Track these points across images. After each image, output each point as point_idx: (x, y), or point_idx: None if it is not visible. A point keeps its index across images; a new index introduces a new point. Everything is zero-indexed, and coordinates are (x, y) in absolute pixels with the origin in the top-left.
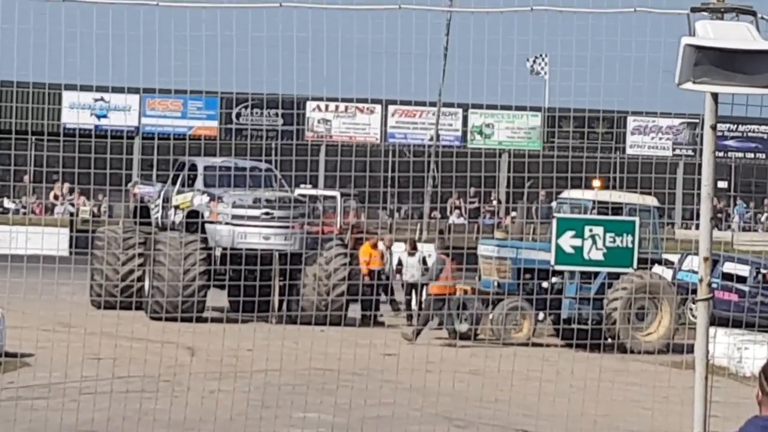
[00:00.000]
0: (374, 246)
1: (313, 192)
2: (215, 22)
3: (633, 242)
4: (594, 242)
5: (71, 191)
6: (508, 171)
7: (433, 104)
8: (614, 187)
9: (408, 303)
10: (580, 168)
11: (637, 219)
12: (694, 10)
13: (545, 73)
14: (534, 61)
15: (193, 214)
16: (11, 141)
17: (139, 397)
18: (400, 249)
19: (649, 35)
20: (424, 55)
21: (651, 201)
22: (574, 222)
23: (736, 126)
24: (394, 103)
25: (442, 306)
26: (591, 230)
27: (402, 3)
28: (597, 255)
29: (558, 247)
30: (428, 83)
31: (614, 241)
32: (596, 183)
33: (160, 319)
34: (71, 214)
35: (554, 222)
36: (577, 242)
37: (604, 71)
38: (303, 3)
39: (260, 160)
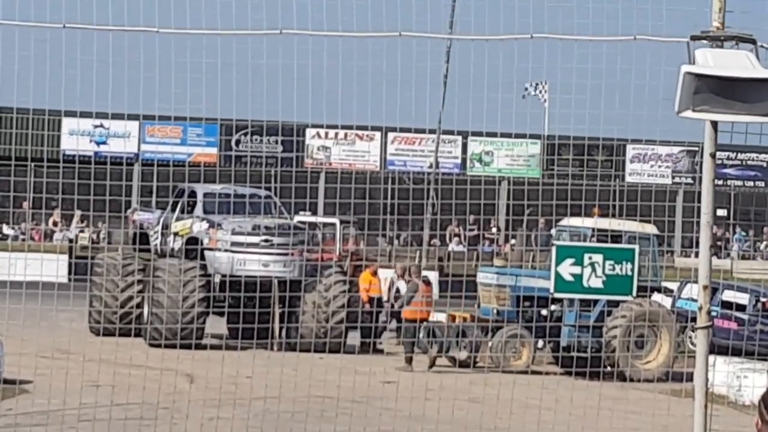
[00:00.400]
0: (374, 273)
1: (313, 219)
2: (215, 49)
3: (632, 270)
4: (593, 270)
5: (66, 218)
6: (508, 198)
7: (432, 131)
8: (613, 215)
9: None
10: (579, 196)
11: (636, 247)
12: (694, 38)
13: (545, 101)
14: (535, 88)
15: (193, 240)
16: (11, 167)
17: (137, 425)
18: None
19: (649, 63)
20: (424, 83)
21: (650, 229)
22: (574, 250)
23: (735, 154)
24: (393, 130)
25: (415, 331)
26: (590, 258)
27: (402, 30)
28: (596, 283)
29: (557, 275)
30: (428, 110)
31: (614, 269)
32: (595, 211)
33: (159, 345)
34: (70, 241)
35: (554, 249)
36: (577, 270)
37: (604, 99)
38: (303, 30)
39: (260, 187)
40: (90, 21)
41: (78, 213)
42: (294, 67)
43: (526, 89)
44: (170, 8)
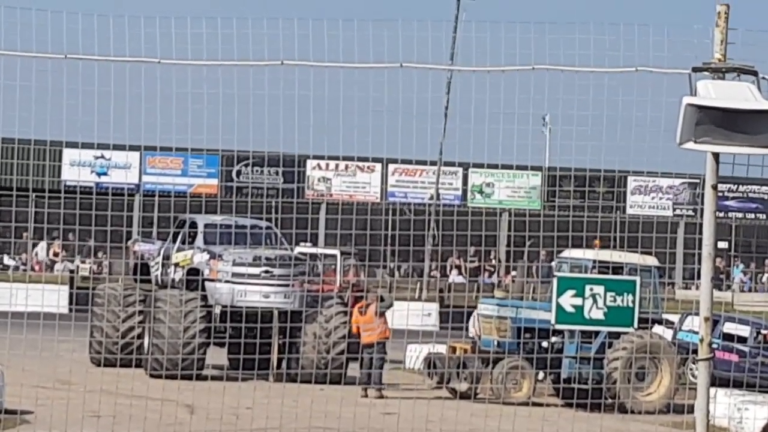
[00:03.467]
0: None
1: (313, 250)
2: (217, 80)
3: (634, 302)
4: (595, 301)
5: (68, 249)
6: (509, 230)
7: (433, 163)
8: (614, 247)
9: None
10: (580, 227)
11: (638, 278)
12: (695, 69)
13: (547, 131)
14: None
15: (193, 271)
16: (12, 197)
17: None
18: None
19: (650, 94)
20: (425, 114)
21: (651, 261)
22: (575, 281)
23: (736, 186)
24: (394, 161)
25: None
26: (592, 289)
27: (403, 61)
28: (598, 314)
29: (559, 306)
30: (429, 142)
31: (615, 301)
32: (596, 243)
33: (159, 376)
34: (71, 271)
35: (555, 281)
36: (578, 301)
37: (606, 130)
38: (305, 61)
39: (260, 218)
40: (91, 52)
41: (57, 244)
42: (295, 97)
43: (544, 121)
44: (171, 39)
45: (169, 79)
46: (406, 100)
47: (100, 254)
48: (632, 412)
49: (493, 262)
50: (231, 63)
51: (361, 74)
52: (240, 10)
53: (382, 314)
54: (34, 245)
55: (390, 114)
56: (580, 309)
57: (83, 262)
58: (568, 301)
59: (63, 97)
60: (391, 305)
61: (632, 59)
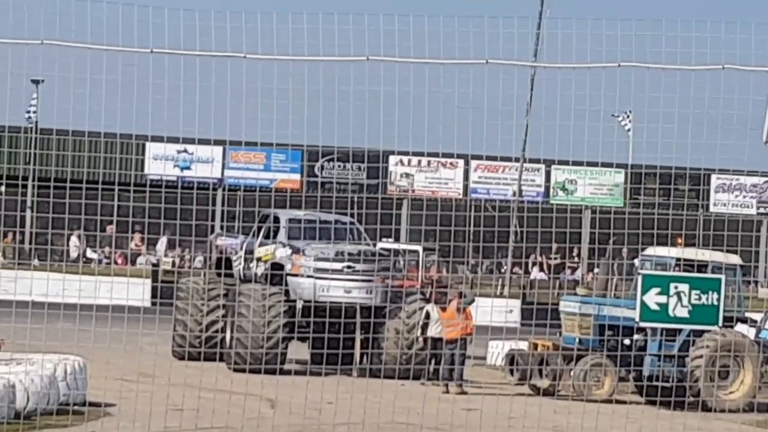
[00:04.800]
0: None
1: (396, 246)
2: (302, 76)
3: (719, 300)
4: (679, 299)
5: (151, 242)
6: (591, 227)
7: (516, 160)
8: (698, 245)
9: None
10: (664, 225)
11: (722, 276)
12: None
13: (629, 129)
14: (619, 117)
15: (276, 266)
16: (98, 191)
17: None
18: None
19: (736, 92)
20: (509, 110)
21: (735, 259)
22: (660, 279)
23: None
24: (478, 158)
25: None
26: (676, 287)
27: (489, 58)
28: (682, 312)
29: (643, 304)
30: (513, 138)
31: (699, 299)
32: (679, 241)
33: (242, 370)
34: (154, 265)
35: (640, 278)
36: (663, 299)
37: (691, 128)
38: (390, 57)
39: (343, 214)
40: (177, 46)
41: (164, 239)
42: (380, 93)
43: (619, 117)
44: (258, 34)
45: (255, 74)
46: (491, 96)
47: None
48: (714, 410)
49: (576, 259)
50: (317, 59)
51: (447, 70)
52: (326, 6)
53: (464, 310)
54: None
55: (474, 110)
56: (664, 307)
57: (166, 255)
58: (653, 298)
59: (148, 92)
60: (472, 301)
61: (719, 57)
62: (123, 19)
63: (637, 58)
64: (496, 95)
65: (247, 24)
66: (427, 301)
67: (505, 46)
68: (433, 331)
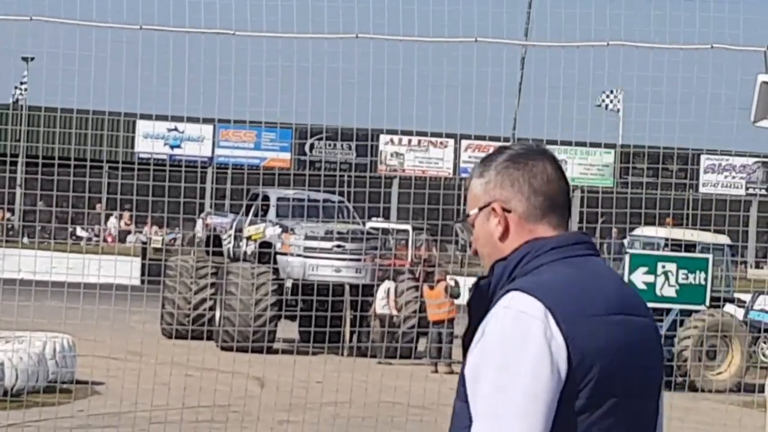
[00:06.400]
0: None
1: (385, 225)
2: (291, 53)
3: (706, 279)
4: (666, 279)
5: (140, 220)
6: (581, 207)
7: (507, 139)
8: (687, 225)
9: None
10: (653, 205)
11: (710, 256)
12: None
13: (618, 110)
14: (608, 97)
15: (265, 245)
16: (86, 169)
17: (208, 427)
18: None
19: (725, 72)
20: (499, 89)
21: (723, 239)
22: (647, 258)
23: None
24: (467, 137)
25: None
26: (664, 267)
27: (478, 36)
28: (669, 292)
29: (631, 283)
30: (503, 117)
31: (687, 278)
32: (669, 221)
33: (230, 349)
34: (143, 243)
35: (627, 257)
36: (650, 278)
37: (680, 108)
38: (379, 35)
39: (333, 192)
40: (167, 23)
41: (127, 215)
42: (370, 72)
43: (603, 100)
44: (246, 11)
45: (244, 52)
46: (481, 75)
47: (172, 226)
48: (702, 390)
49: None
50: (306, 36)
51: (436, 49)
52: None
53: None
54: (107, 217)
55: (464, 89)
56: (652, 286)
57: (156, 233)
58: (640, 278)
59: (138, 69)
60: (459, 295)
61: (707, 36)
62: None
63: (626, 37)
64: (486, 74)
65: (236, 1)
66: (416, 279)
67: (494, 24)
68: (379, 308)
